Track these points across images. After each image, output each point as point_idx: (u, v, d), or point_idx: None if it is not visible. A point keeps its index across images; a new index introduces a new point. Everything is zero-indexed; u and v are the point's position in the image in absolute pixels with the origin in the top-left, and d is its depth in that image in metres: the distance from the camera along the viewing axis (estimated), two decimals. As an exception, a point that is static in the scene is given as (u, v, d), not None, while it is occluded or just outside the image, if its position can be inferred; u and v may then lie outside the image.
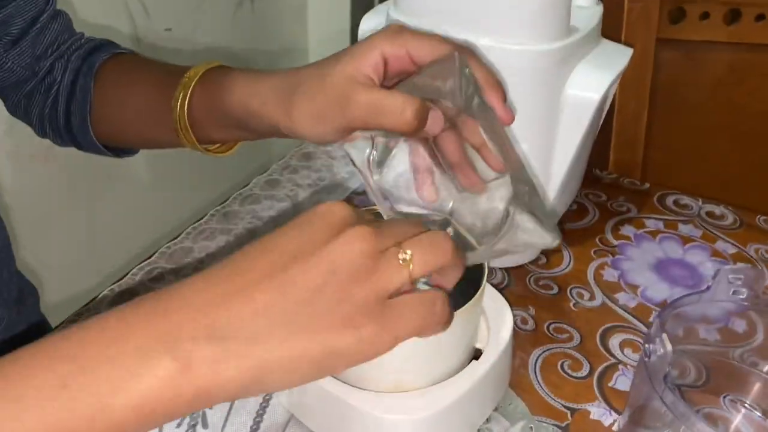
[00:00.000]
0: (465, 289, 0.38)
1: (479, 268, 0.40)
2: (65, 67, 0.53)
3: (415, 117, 0.37)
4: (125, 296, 0.54)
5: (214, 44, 1.10)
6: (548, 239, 0.35)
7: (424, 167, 0.42)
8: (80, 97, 0.53)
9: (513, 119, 0.40)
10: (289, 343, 0.27)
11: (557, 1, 0.47)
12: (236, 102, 0.44)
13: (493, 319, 0.45)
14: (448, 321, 0.30)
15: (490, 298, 0.46)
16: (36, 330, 0.58)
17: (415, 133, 0.38)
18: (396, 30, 0.41)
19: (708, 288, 0.43)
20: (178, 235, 0.60)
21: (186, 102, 0.47)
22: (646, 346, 0.38)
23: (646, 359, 0.38)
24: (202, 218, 0.62)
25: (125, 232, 0.92)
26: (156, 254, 0.57)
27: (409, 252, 0.29)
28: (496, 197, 0.39)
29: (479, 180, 0.41)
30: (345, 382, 0.40)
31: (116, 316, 0.27)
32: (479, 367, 0.41)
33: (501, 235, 0.36)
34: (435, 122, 0.38)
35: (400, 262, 0.28)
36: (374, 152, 0.40)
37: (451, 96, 0.38)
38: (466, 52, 0.40)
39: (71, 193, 0.85)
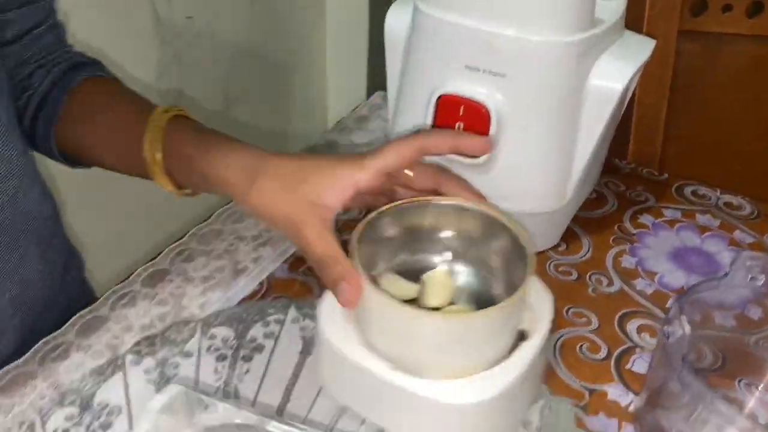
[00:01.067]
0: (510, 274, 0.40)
1: (524, 256, 0.40)
2: (44, 77, 0.53)
3: (341, 289, 0.38)
4: (156, 276, 0.56)
5: (233, 33, 1.12)
6: None
7: None
8: (50, 108, 0.53)
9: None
10: None
11: (583, -7, 0.48)
12: (201, 160, 0.46)
13: (536, 303, 0.44)
14: None
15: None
16: (81, 297, 0.61)
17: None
18: (380, 171, 0.42)
19: (726, 274, 0.44)
20: (208, 217, 0.62)
21: (158, 145, 0.48)
22: (665, 328, 0.40)
23: (666, 340, 0.40)
24: (230, 202, 0.64)
25: (156, 216, 0.95)
26: (187, 236, 0.59)
27: None
28: None
29: None
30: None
31: None
32: (530, 350, 0.40)
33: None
34: (352, 293, 0.39)
35: None
36: None
37: None
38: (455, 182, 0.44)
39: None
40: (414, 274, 0.45)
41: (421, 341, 0.38)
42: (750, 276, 0.44)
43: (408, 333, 0.38)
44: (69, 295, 0.59)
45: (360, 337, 0.40)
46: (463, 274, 0.45)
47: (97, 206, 0.87)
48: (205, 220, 0.61)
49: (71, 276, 0.60)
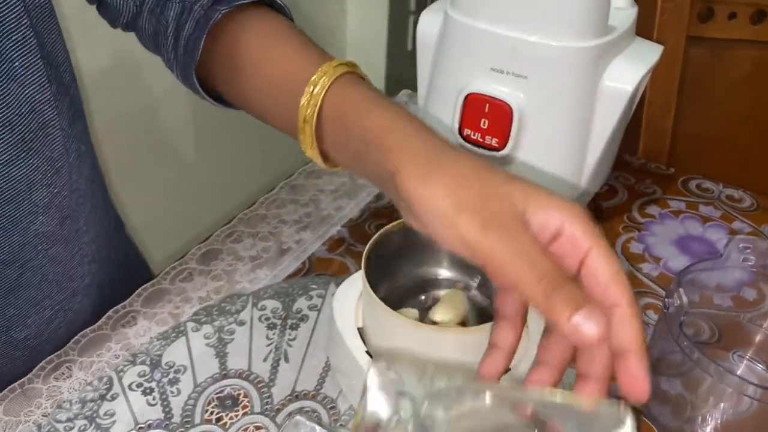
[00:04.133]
0: None
1: None
2: (188, 17, 0.49)
3: (559, 302, 0.29)
4: (209, 254, 0.62)
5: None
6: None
7: None
8: (190, 52, 0.49)
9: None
10: None
11: (598, 4, 0.54)
12: (369, 124, 0.39)
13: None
14: None
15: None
16: (130, 253, 0.65)
17: (552, 322, 0.29)
18: (589, 222, 0.32)
19: (721, 255, 0.50)
20: (252, 204, 0.68)
21: (315, 114, 0.42)
22: (666, 300, 0.45)
23: (665, 311, 0.45)
24: (272, 190, 0.70)
25: (207, 201, 1.02)
26: (235, 219, 0.66)
27: None
28: None
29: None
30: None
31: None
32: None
33: None
34: (586, 324, 0.28)
35: None
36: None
37: None
38: (635, 315, 0.31)
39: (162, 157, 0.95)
40: (421, 288, 0.51)
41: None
42: (742, 257, 0.50)
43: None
44: (119, 252, 0.62)
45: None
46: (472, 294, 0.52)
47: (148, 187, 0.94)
48: (249, 206, 0.68)
49: (120, 234, 0.64)
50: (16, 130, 0.42)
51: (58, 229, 0.48)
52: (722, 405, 0.43)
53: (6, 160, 0.43)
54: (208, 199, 1.07)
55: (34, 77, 0.43)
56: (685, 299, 0.43)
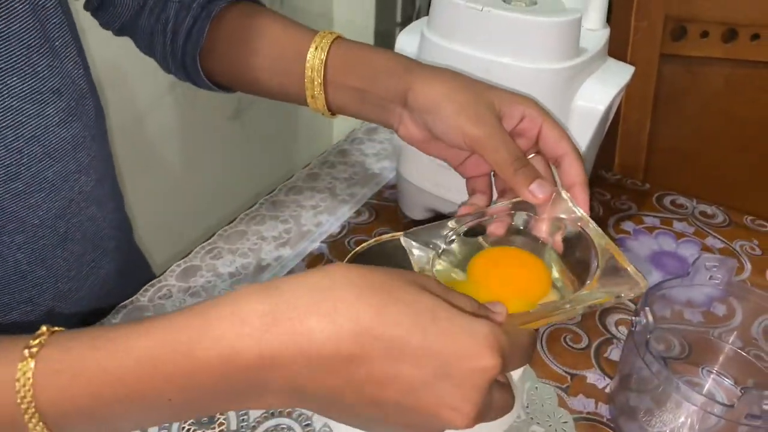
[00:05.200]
0: None
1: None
2: (186, 14, 0.56)
3: (523, 176, 0.44)
4: (235, 235, 0.67)
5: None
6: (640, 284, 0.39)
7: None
8: (194, 40, 0.56)
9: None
10: None
11: (569, 27, 0.55)
12: (363, 68, 0.50)
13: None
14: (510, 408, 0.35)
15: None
16: (136, 260, 0.69)
17: (511, 185, 0.44)
18: (541, 107, 0.47)
19: (688, 274, 0.51)
20: (233, 220, 0.69)
21: (324, 58, 0.51)
22: (634, 319, 0.47)
23: (633, 329, 0.46)
24: (253, 206, 0.70)
25: (188, 216, 1.02)
26: (215, 236, 0.66)
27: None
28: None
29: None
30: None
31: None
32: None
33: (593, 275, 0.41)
34: (539, 190, 0.44)
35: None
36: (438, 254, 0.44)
37: None
38: (581, 159, 0.46)
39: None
40: None
41: None
42: (709, 275, 0.51)
43: None
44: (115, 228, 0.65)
45: None
46: None
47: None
48: (269, 193, 0.71)
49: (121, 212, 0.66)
50: (64, 97, 0.49)
51: (95, 190, 0.54)
52: (689, 421, 0.44)
53: (58, 122, 0.49)
54: (189, 215, 1.07)
55: (71, 54, 0.50)
56: (650, 318, 0.44)
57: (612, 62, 0.62)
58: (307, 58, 0.51)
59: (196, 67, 0.58)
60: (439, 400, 0.30)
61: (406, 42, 0.64)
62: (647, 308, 0.45)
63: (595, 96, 0.58)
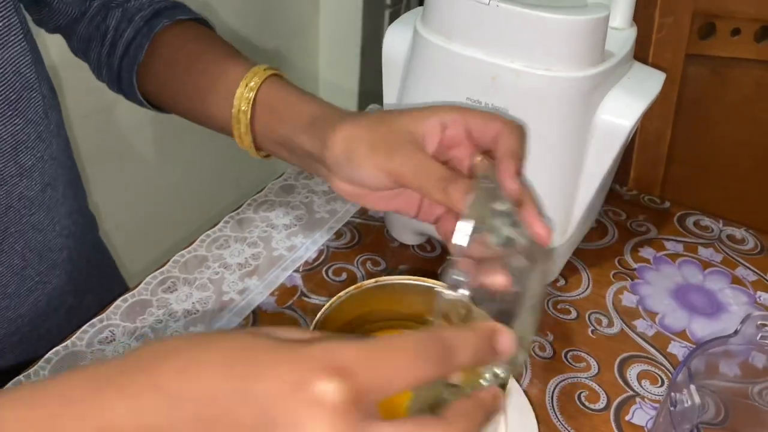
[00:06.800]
0: None
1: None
2: (126, 26, 0.54)
3: (454, 192, 0.38)
4: (244, 222, 0.61)
5: (225, 22, 1.09)
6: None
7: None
8: (132, 55, 0.53)
9: (550, 237, 0.38)
10: None
11: (595, 26, 0.45)
12: (287, 116, 0.46)
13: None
14: None
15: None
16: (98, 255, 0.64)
17: (443, 202, 0.39)
18: (460, 107, 0.42)
19: (736, 332, 0.43)
20: (192, 243, 0.59)
21: (251, 97, 0.47)
22: (672, 394, 0.38)
23: (672, 408, 0.38)
24: (215, 225, 0.61)
25: (135, 239, 0.93)
26: (169, 263, 0.57)
27: None
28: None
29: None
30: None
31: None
32: None
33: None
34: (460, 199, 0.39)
35: None
36: None
37: None
38: (516, 130, 0.40)
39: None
40: None
41: None
42: (760, 335, 0.42)
43: None
44: (95, 242, 0.64)
45: None
46: None
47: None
48: (235, 210, 0.63)
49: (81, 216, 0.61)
50: (2, 89, 0.44)
51: (41, 195, 0.50)
52: None
53: None
54: (164, 212, 0.97)
55: (16, 39, 0.45)
56: (697, 400, 0.36)
57: (639, 67, 0.53)
58: (236, 95, 0.47)
59: (131, 82, 0.54)
60: None
61: (396, 39, 0.54)
62: (692, 386, 0.36)
63: (622, 109, 0.48)
